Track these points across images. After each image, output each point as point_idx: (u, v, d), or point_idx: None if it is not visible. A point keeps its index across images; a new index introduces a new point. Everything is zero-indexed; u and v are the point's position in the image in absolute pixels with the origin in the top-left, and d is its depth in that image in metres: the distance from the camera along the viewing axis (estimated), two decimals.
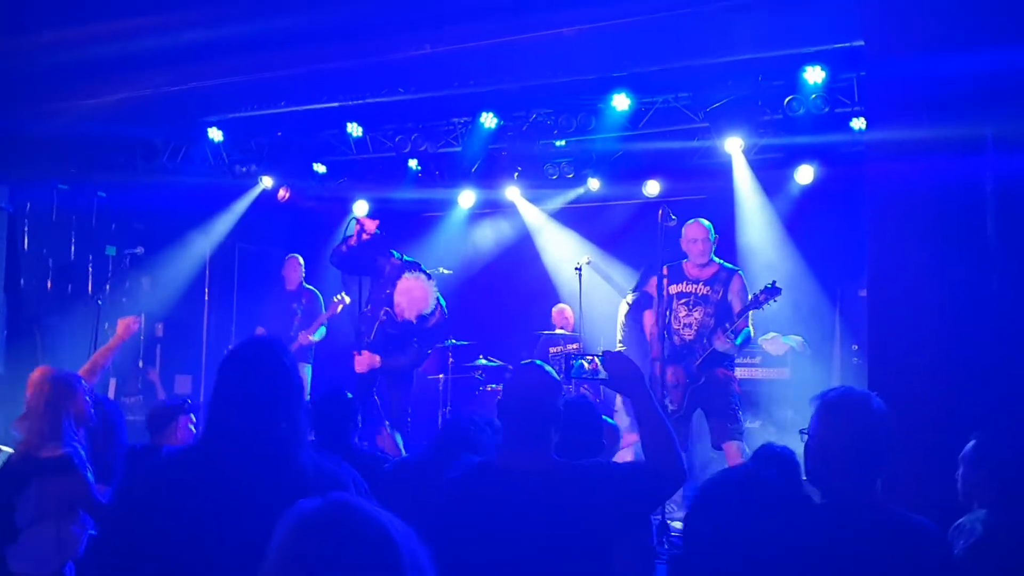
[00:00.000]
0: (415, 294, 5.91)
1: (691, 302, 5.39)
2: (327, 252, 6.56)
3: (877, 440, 2.07)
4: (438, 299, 6.10)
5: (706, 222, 5.52)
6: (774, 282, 5.20)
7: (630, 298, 7.04)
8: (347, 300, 7.13)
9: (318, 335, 7.25)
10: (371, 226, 6.11)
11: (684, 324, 5.38)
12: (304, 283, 7.49)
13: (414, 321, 5.93)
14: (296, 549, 1.25)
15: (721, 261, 5.52)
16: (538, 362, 2.46)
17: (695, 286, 5.41)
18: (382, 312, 6.01)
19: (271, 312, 7.46)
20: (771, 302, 5.17)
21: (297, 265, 7.49)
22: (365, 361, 5.92)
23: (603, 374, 2.46)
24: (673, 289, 5.46)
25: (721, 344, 5.20)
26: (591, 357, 2.48)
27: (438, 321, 6.06)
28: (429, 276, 6.06)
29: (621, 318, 7.02)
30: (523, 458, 2.30)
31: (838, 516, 2.05)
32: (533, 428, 2.32)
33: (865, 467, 2.06)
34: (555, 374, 2.42)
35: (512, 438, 2.35)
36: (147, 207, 7.58)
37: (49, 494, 3.39)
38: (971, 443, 2.77)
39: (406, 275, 6.01)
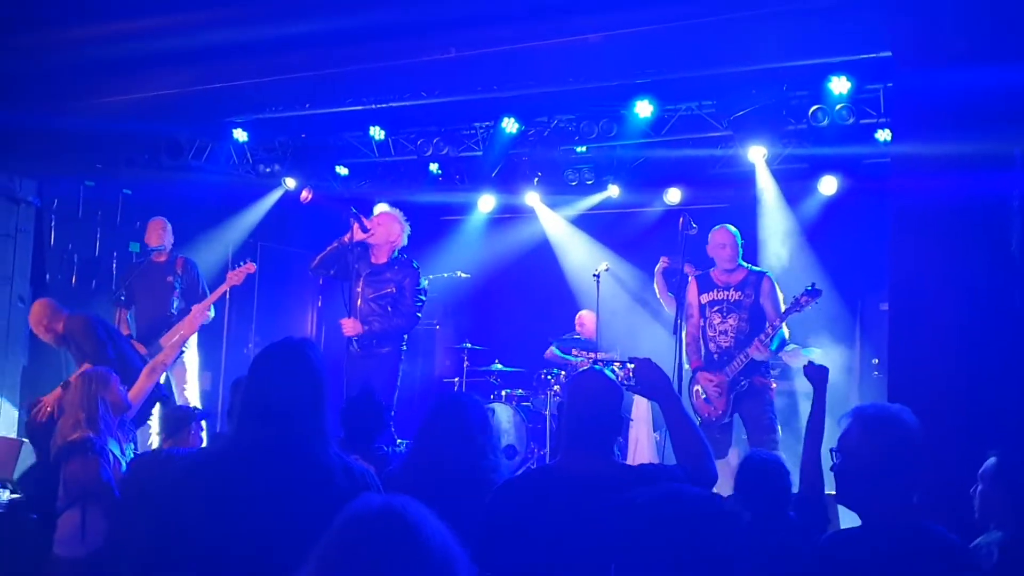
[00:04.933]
0: (385, 219, 5.79)
1: (724, 309, 5.38)
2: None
3: (915, 456, 2.03)
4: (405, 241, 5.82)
5: (732, 228, 5.53)
6: (813, 284, 5.16)
7: None
8: (252, 268, 6.25)
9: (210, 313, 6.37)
10: (368, 224, 5.68)
11: (720, 332, 5.37)
12: (176, 252, 6.61)
13: (385, 259, 5.72)
14: (347, 551, 1.28)
15: (749, 265, 5.52)
16: (598, 367, 2.50)
17: (726, 292, 5.41)
18: (357, 250, 5.69)
19: (141, 287, 6.49)
20: (813, 303, 5.14)
21: (162, 228, 6.47)
22: (351, 325, 5.62)
23: (632, 381, 2.54)
24: (704, 298, 5.47)
25: (758, 354, 5.17)
26: (621, 364, 2.55)
27: (413, 281, 5.67)
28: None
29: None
30: (584, 461, 2.32)
31: (881, 537, 1.99)
32: (594, 432, 2.35)
33: (905, 485, 2.02)
34: (616, 380, 2.45)
35: (573, 442, 2.37)
36: (171, 205, 7.64)
37: (70, 475, 3.48)
38: (991, 460, 2.74)
39: (379, 209, 6.10)
